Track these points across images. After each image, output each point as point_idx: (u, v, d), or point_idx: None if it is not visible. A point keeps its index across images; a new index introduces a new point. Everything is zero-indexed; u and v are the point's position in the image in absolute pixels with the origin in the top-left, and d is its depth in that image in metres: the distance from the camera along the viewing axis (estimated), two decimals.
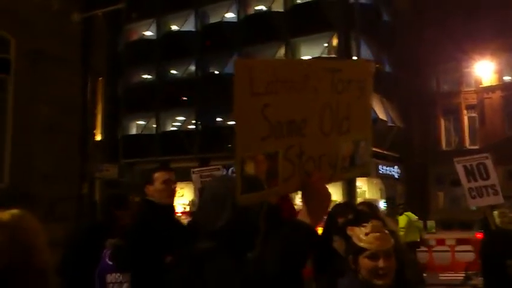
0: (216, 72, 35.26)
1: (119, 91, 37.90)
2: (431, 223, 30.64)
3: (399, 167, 35.19)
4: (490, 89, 35.39)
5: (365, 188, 31.36)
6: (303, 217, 2.05)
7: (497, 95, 35.30)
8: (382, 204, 31.30)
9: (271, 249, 1.99)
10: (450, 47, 33.28)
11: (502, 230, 5.94)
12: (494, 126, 34.81)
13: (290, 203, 4.50)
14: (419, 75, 35.82)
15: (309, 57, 31.05)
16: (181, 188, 32.39)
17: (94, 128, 16.03)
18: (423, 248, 15.11)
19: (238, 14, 34.76)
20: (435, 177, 35.67)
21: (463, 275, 13.45)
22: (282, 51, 32.60)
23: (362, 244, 2.68)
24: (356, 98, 2.36)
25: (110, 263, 4.73)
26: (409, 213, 14.46)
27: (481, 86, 35.67)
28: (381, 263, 2.62)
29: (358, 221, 2.82)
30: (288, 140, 2.01)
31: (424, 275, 13.83)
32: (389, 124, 32.71)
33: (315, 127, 2.14)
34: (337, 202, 6.29)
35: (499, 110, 35.10)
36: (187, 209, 29.91)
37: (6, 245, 1.86)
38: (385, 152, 32.05)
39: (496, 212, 6.21)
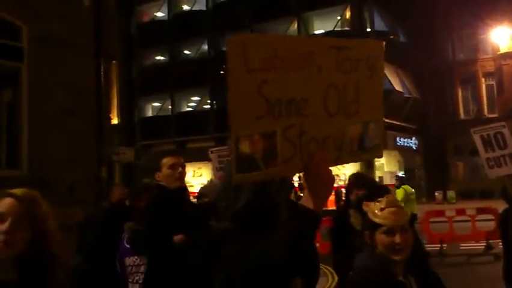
0: None
1: (133, 74, 38.00)
2: (451, 193, 30.53)
3: (416, 139, 34.98)
4: (508, 55, 34.82)
5: (383, 161, 31.27)
6: (306, 200, 1.97)
7: None
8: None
9: (274, 238, 1.93)
10: (465, 13, 32.78)
11: None
12: None
13: None
14: (434, 45, 35.39)
15: (322, 31, 30.80)
16: (199, 168, 32.57)
17: (110, 111, 16.08)
18: (443, 219, 15.08)
19: None
20: (454, 147, 35.41)
21: (484, 244, 13.41)
22: (294, 26, 32.34)
23: (377, 220, 2.65)
24: (366, 77, 2.26)
25: (128, 246, 4.80)
26: (406, 186, 14.89)
27: (498, 53, 35.13)
28: (397, 239, 2.59)
29: (373, 196, 2.79)
30: (287, 120, 1.94)
31: (445, 245, 13.87)
32: (405, 95, 32.44)
33: (319, 107, 2.07)
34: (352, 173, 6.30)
35: None
36: None
37: (24, 216, 1.91)
38: (402, 123, 31.87)
39: None
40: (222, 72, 31.18)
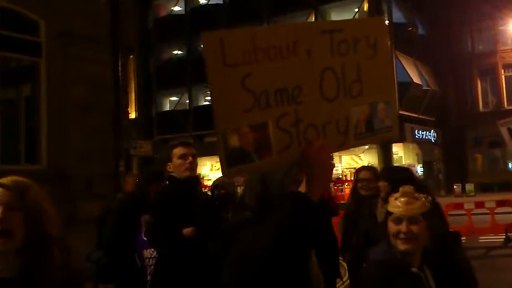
0: None
1: (150, 68, 38.15)
2: (469, 186, 30.28)
3: (435, 131, 34.70)
4: None
5: (401, 154, 31.12)
6: (304, 188, 1.92)
7: None
8: (419, 169, 31.04)
9: (268, 225, 1.89)
10: (484, 4, 32.37)
11: None
12: None
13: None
14: (452, 36, 35.02)
15: None
16: (217, 162, 32.57)
17: (128, 105, 16.17)
18: (462, 212, 14.97)
19: None
20: (473, 140, 35.09)
21: (503, 237, 13.30)
22: (312, 19, 32.18)
23: (389, 208, 2.72)
24: (367, 57, 2.20)
25: (145, 238, 4.84)
26: None
27: None
28: (403, 228, 2.61)
29: (396, 188, 2.83)
30: (278, 109, 1.92)
31: (463, 238, 13.76)
32: (424, 87, 32.16)
33: (315, 93, 2.03)
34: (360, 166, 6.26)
35: None
36: None
37: (19, 203, 1.91)
38: (420, 116, 31.65)
39: None
40: None
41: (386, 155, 28.12)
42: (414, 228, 2.62)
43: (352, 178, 8.12)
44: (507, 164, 34.50)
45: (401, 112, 27.00)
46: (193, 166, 4.59)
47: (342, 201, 9.93)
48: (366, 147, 26.53)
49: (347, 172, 29.40)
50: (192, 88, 36.59)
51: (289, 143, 1.96)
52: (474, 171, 34.75)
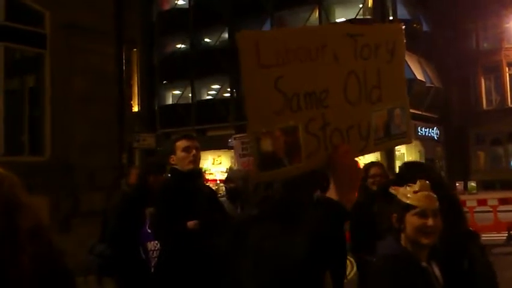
0: None
1: (154, 61, 38.13)
2: (472, 184, 30.26)
3: (438, 128, 34.65)
4: None
5: (403, 151, 31.06)
6: (332, 194, 1.89)
7: None
8: None
9: (301, 232, 1.87)
10: (489, 2, 32.26)
11: None
12: None
13: None
14: (457, 33, 34.90)
15: (343, 19, 30.56)
16: (219, 156, 32.67)
17: (131, 98, 16.17)
18: (464, 209, 14.93)
19: None
20: (476, 137, 35.04)
21: (506, 235, 13.28)
22: (315, 15, 32.12)
23: (409, 201, 2.65)
24: (386, 62, 2.20)
25: (150, 231, 4.83)
26: None
27: None
28: (430, 221, 2.59)
29: (401, 182, 2.79)
30: (307, 113, 1.90)
31: None
32: (427, 85, 32.10)
33: (340, 97, 2.02)
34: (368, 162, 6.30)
35: None
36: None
37: None
38: (424, 113, 31.59)
39: None
40: None
41: (388, 152, 28.07)
42: (437, 222, 2.61)
43: None
44: (509, 162, 34.43)
45: None
46: (197, 159, 4.58)
47: None
48: None
49: None
50: (194, 82, 36.60)
51: (317, 148, 1.94)
52: (476, 168, 34.70)
